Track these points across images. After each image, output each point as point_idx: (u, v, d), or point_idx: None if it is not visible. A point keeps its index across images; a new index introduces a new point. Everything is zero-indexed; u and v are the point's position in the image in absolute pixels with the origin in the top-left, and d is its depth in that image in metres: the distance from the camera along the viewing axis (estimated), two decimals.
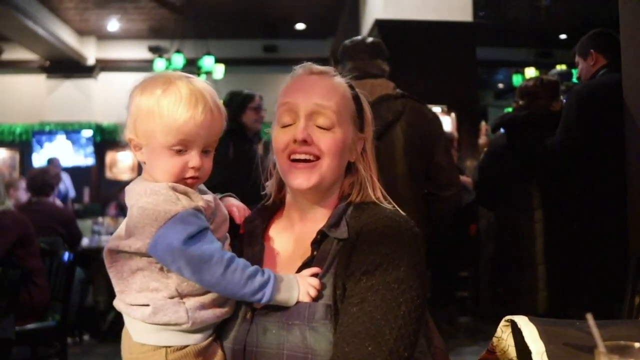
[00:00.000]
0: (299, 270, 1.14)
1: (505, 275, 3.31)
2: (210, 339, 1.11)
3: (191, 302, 1.07)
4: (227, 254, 1.05)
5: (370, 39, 2.85)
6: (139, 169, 1.19)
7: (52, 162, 8.40)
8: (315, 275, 1.11)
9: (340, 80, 1.23)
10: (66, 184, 8.35)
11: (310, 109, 1.16)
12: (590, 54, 2.96)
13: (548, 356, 0.99)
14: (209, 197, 1.14)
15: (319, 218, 1.19)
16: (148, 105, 1.08)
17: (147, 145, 1.10)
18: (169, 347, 1.07)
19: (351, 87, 1.24)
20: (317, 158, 1.16)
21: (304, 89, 1.19)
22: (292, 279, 1.09)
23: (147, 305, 1.06)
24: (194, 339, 1.09)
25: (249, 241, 1.24)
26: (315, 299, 1.08)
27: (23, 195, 5.14)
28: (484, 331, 4.90)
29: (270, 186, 1.31)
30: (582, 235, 2.87)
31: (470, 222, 5.05)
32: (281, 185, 1.28)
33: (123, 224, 1.10)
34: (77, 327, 5.01)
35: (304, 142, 1.14)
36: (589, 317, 0.81)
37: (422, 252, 1.12)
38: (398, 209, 1.19)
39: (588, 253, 2.83)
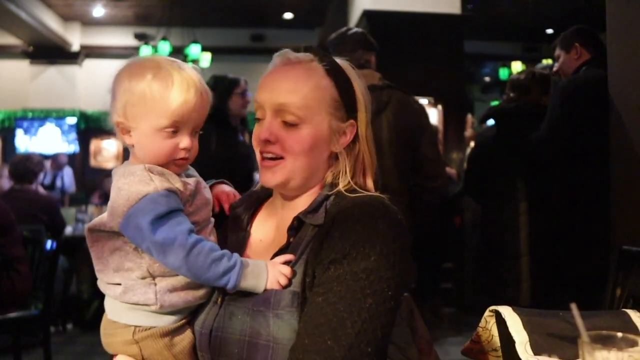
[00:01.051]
0: (274, 257, 1.12)
1: (489, 265, 3.34)
2: (181, 322, 1.12)
3: (162, 283, 1.08)
4: (192, 237, 1.04)
5: (352, 30, 2.84)
6: (124, 157, 1.18)
7: (57, 157, 8.27)
8: (288, 262, 1.09)
9: (316, 67, 1.15)
10: (65, 179, 8.24)
11: (275, 108, 1.13)
12: (574, 47, 2.99)
13: (531, 346, 1.00)
14: (190, 180, 1.14)
15: (300, 206, 1.16)
16: (140, 89, 1.08)
17: (137, 128, 1.11)
18: (138, 326, 1.10)
19: (334, 71, 1.15)
20: (283, 156, 1.13)
21: (272, 84, 1.14)
22: (261, 266, 1.07)
23: (119, 284, 1.10)
24: (164, 321, 1.10)
25: (233, 227, 1.23)
26: (284, 286, 1.06)
27: (6, 183, 5.08)
28: (468, 322, 4.94)
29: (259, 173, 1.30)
30: (565, 227, 2.91)
31: (455, 214, 5.08)
32: None
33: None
34: (61, 316, 4.97)
35: (267, 141, 1.12)
36: (573, 307, 0.82)
37: (402, 241, 1.06)
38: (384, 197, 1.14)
39: (571, 245, 2.86)
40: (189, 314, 1.13)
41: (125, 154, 1.17)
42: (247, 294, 1.08)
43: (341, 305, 0.98)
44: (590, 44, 2.96)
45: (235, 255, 1.07)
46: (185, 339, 1.12)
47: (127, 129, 1.12)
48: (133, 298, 1.08)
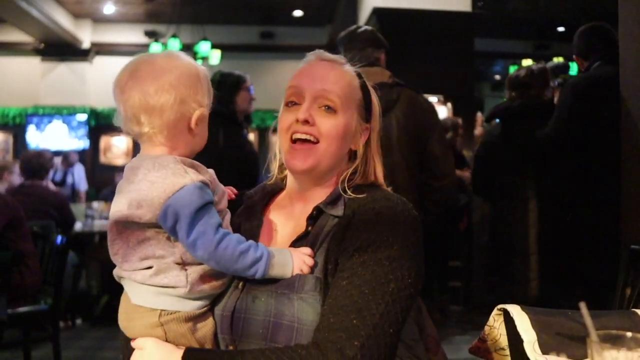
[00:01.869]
0: (293, 244, 1.17)
1: (498, 264, 3.33)
2: (205, 308, 1.14)
3: (192, 269, 1.10)
4: (220, 231, 1.08)
5: (362, 28, 2.84)
6: (133, 153, 1.17)
7: (67, 155, 8.30)
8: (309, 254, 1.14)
9: (348, 69, 1.26)
10: (75, 176, 8.27)
11: (315, 93, 1.19)
12: (576, 59, 3.02)
13: (540, 345, 1.00)
14: (210, 170, 1.18)
15: (317, 198, 1.21)
16: (207, 77, 1.17)
17: (206, 117, 1.17)
18: (164, 310, 1.11)
19: (359, 76, 1.27)
20: (317, 140, 1.18)
21: (312, 74, 1.23)
22: (286, 255, 1.11)
23: (150, 267, 1.10)
24: (190, 306, 1.12)
25: (247, 216, 1.27)
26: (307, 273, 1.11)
27: (17, 179, 5.12)
28: (475, 321, 4.93)
29: (274, 166, 1.34)
30: (575, 225, 2.89)
31: (460, 220, 5.03)
32: (284, 166, 1.29)
33: (121, 198, 1.11)
34: (70, 311, 5.01)
35: (306, 122, 1.18)
36: (582, 306, 0.81)
37: (419, 235, 1.13)
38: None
39: (581, 243, 2.84)
40: (212, 300, 1.16)
41: (136, 150, 1.18)
42: (269, 279, 1.11)
43: (366, 288, 1.04)
44: (587, 51, 2.96)
45: (262, 246, 1.10)
46: (207, 324, 1.14)
47: (197, 121, 1.15)
48: (164, 280, 1.09)
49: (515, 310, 1.06)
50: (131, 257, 1.12)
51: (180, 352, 1.06)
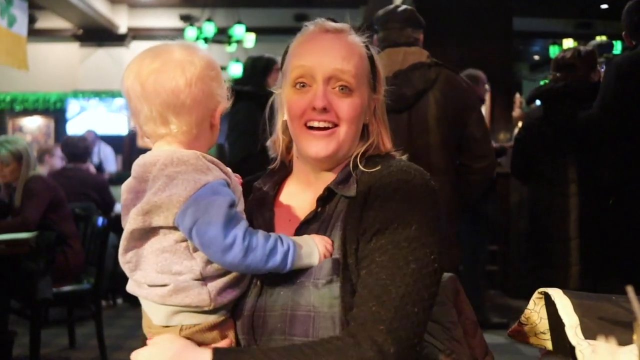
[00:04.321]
0: (300, 225, 1.13)
1: (537, 248, 3.27)
2: (227, 315, 1.08)
3: (212, 284, 1.02)
4: (247, 234, 0.99)
5: (402, 7, 2.80)
6: None
7: (88, 134, 8.41)
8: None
9: (356, 39, 1.17)
10: (101, 155, 8.32)
11: (328, 73, 1.11)
12: (624, 36, 2.90)
13: (582, 330, 0.98)
14: (228, 169, 1.11)
15: (330, 180, 1.15)
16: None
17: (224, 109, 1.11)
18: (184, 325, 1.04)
19: (367, 46, 1.18)
20: (335, 125, 1.12)
21: (321, 50, 1.13)
22: (311, 244, 1.06)
23: (166, 285, 1.01)
24: (212, 318, 1.05)
25: (259, 208, 1.20)
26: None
27: (58, 162, 5.26)
28: (512, 305, 4.88)
29: (276, 148, 1.25)
30: (617, 210, 2.81)
31: None
32: (290, 148, 1.23)
33: (133, 199, 1.05)
34: (111, 291, 5.15)
35: (324, 109, 1.10)
36: (630, 290, 0.79)
37: (438, 208, 1.09)
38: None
39: (623, 228, 2.77)
40: (230, 306, 1.09)
41: None
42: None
43: (383, 273, 1.01)
44: (636, 29, 2.83)
45: (286, 238, 1.04)
46: (230, 330, 1.08)
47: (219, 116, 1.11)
48: (185, 300, 1.00)
49: (556, 294, 1.04)
50: (145, 265, 1.04)
51: (209, 352, 1.01)
